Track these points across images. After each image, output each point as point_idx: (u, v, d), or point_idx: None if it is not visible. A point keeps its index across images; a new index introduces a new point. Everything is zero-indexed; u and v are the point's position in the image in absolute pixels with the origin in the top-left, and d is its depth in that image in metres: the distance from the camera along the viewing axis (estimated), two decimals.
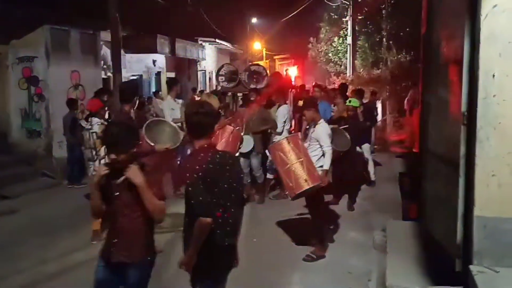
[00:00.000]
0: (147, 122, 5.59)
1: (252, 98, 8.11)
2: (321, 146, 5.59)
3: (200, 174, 2.84)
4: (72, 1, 10.61)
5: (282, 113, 7.98)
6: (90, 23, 11.70)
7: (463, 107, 3.64)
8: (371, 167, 8.97)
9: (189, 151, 3.85)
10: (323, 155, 5.59)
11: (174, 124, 6.02)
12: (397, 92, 16.24)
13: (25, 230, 6.79)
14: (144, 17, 15.08)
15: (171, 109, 8.14)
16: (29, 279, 5.07)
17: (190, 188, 2.84)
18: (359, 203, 7.77)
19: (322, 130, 5.68)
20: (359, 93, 9.53)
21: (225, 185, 2.96)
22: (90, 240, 5.97)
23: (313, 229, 5.76)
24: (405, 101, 15.97)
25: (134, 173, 2.97)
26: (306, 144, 5.70)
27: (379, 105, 18.03)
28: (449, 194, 3.95)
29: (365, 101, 10.46)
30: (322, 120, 5.82)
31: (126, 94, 5.54)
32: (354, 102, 7.87)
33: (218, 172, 2.94)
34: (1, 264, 5.49)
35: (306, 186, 5.09)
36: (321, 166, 5.53)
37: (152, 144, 5.22)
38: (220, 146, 6.33)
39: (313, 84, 13.04)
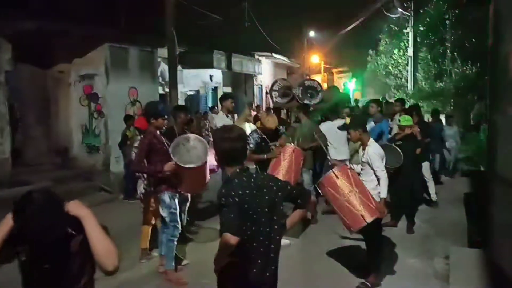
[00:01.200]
0: (175, 139, 5.36)
1: (300, 114, 7.89)
2: (374, 171, 5.05)
3: (237, 199, 2.63)
4: (130, 19, 10.92)
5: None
6: (148, 41, 11.98)
7: None
8: (431, 187, 8.43)
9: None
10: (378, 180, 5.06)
11: (204, 140, 5.84)
12: (462, 106, 15.41)
13: None
14: (200, 33, 15.32)
15: (223, 124, 8.11)
16: None
17: (224, 209, 2.62)
18: (419, 226, 7.27)
19: (373, 152, 5.09)
20: (414, 110, 8.93)
21: (266, 209, 2.72)
22: (139, 259, 5.95)
23: (368, 256, 5.36)
24: (471, 116, 15.13)
25: (75, 205, 2.37)
26: (357, 168, 5.28)
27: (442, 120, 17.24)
28: None
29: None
30: (371, 140, 5.23)
31: (147, 115, 5.47)
32: (404, 120, 7.35)
33: (256, 196, 2.71)
34: None
35: (363, 223, 4.64)
36: (379, 193, 5.03)
37: (179, 163, 5.02)
38: (283, 168, 6.11)
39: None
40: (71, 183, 10.04)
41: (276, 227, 2.80)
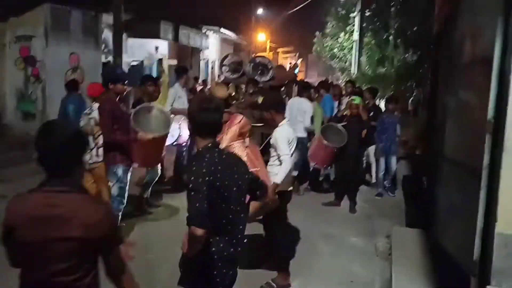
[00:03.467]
0: (137, 107, 5.30)
1: (251, 91, 7.84)
2: (278, 156, 4.51)
3: (207, 178, 2.56)
4: None
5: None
6: (92, 4, 11.35)
7: (490, 114, 3.35)
8: (374, 169, 8.71)
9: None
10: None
11: (166, 111, 5.74)
12: (401, 91, 15.97)
13: None
14: (148, 1, 14.74)
15: (178, 97, 7.99)
16: None
17: (192, 193, 2.55)
18: (361, 206, 7.50)
19: (279, 134, 4.54)
20: (371, 92, 9.15)
21: (234, 188, 2.70)
22: None
23: (273, 252, 4.83)
24: (409, 101, 15.75)
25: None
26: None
27: (382, 105, 17.83)
28: (467, 205, 3.67)
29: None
30: (284, 122, 4.64)
31: (105, 80, 5.24)
32: (357, 99, 7.50)
33: (227, 174, 2.67)
34: None
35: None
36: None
37: (139, 130, 4.96)
38: (230, 133, 5.96)
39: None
40: (4, 152, 9.44)
41: (243, 207, 2.81)
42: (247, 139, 5.06)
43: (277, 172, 4.43)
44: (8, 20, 10.17)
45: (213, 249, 2.66)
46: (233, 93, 8.55)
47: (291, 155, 4.56)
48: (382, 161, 8.15)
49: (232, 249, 2.73)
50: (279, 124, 4.60)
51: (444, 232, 4.50)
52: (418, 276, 4.39)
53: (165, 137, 5.40)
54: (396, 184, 8.62)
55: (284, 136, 4.52)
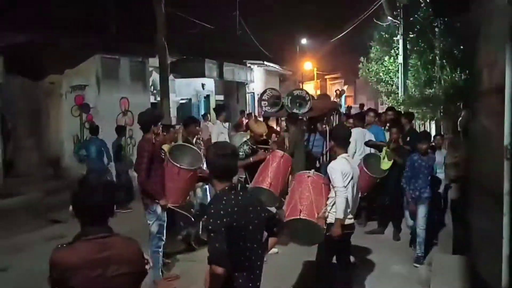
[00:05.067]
0: (173, 144, 5.76)
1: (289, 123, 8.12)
2: (333, 187, 4.60)
3: (225, 219, 2.77)
4: (121, 30, 11.04)
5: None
6: (139, 51, 12.10)
7: (506, 140, 3.34)
8: None
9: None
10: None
11: (196, 148, 6.15)
12: (451, 112, 15.56)
13: None
14: (192, 42, 15.43)
15: (220, 133, 8.48)
16: None
17: (212, 234, 2.77)
18: (406, 233, 7.37)
19: (332, 165, 4.69)
20: (407, 117, 9.03)
21: (251, 227, 2.89)
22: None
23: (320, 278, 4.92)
24: (458, 122, 15.29)
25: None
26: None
27: (432, 127, 17.41)
28: (494, 231, 3.62)
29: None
30: (343, 155, 4.72)
31: (141, 124, 5.52)
32: (385, 165, 7.15)
33: (243, 214, 2.87)
34: None
35: (296, 216, 4.65)
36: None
37: (178, 165, 5.38)
38: (272, 171, 6.04)
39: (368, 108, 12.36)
40: (62, 193, 10.06)
41: (260, 244, 2.99)
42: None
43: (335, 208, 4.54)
44: (64, 72, 11.03)
45: (233, 285, 2.83)
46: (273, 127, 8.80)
47: (346, 187, 4.57)
48: (407, 214, 6.77)
49: (250, 284, 2.89)
50: (338, 156, 4.75)
51: (478, 258, 4.41)
52: None
53: (195, 172, 5.68)
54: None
55: (338, 168, 4.59)
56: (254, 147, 6.66)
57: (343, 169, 4.59)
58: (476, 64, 4.56)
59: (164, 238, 5.46)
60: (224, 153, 2.98)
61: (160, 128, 5.59)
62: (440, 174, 7.67)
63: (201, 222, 6.65)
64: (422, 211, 6.30)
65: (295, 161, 7.26)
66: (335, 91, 24.89)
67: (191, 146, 6.21)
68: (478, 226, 4.57)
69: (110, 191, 2.51)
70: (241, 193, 3.00)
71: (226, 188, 2.93)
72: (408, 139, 7.78)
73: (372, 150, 7.69)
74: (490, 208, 3.89)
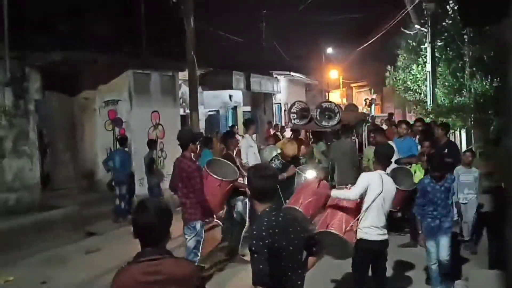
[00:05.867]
0: (209, 159, 6.04)
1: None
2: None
3: (267, 241, 2.88)
4: (152, 46, 11.32)
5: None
6: (168, 65, 12.37)
7: None
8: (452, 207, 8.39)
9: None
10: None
11: (230, 163, 6.43)
12: (482, 121, 15.30)
13: (103, 266, 7.03)
14: (219, 55, 15.68)
15: (249, 146, 8.75)
16: None
17: (255, 255, 2.87)
18: None
19: (363, 175, 4.94)
20: (444, 128, 8.70)
21: (291, 247, 2.99)
22: None
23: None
24: (490, 130, 15.01)
25: None
26: None
27: (463, 136, 17.11)
28: None
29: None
30: (380, 171, 4.83)
31: (181, 142, 5.71)
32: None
33: (283, 235, 2.96)
34: None
35: (323, 229, 4.80)
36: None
37: (219, 178, 5.77)
38: (313, 201, 5.52)
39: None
40: (97, 206, 10.35)
41: (300, 264, 3.09)
42: None
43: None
44: (97, 87, 11.36)
45: None
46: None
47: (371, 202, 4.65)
48: (431, 247, 5.66)
49: None
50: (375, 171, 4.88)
51: None
52: None
53: (230, 183, 6.01)
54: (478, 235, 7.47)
55: (365, 179, 4.76)
56: (285, 162, 6.87)
57: (370, 183, 4.67)
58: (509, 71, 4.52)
59: (199, 254, 5.59)
60: (263, 175, 3.08)
61: (198, 146, 5.80)
62: (470, 195, 7.41)
63: (242, 237, 6.80)
64: (445, 242, 5.59)
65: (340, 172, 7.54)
66: (365, 99, 24.75)
67: (219, 159, 6.61)
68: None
69: (165, 214, 2.58)
70: (281, 214, 3.10)
71: (267, 209, 3.03)
72: (446, 151, 7.55)
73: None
74: None
